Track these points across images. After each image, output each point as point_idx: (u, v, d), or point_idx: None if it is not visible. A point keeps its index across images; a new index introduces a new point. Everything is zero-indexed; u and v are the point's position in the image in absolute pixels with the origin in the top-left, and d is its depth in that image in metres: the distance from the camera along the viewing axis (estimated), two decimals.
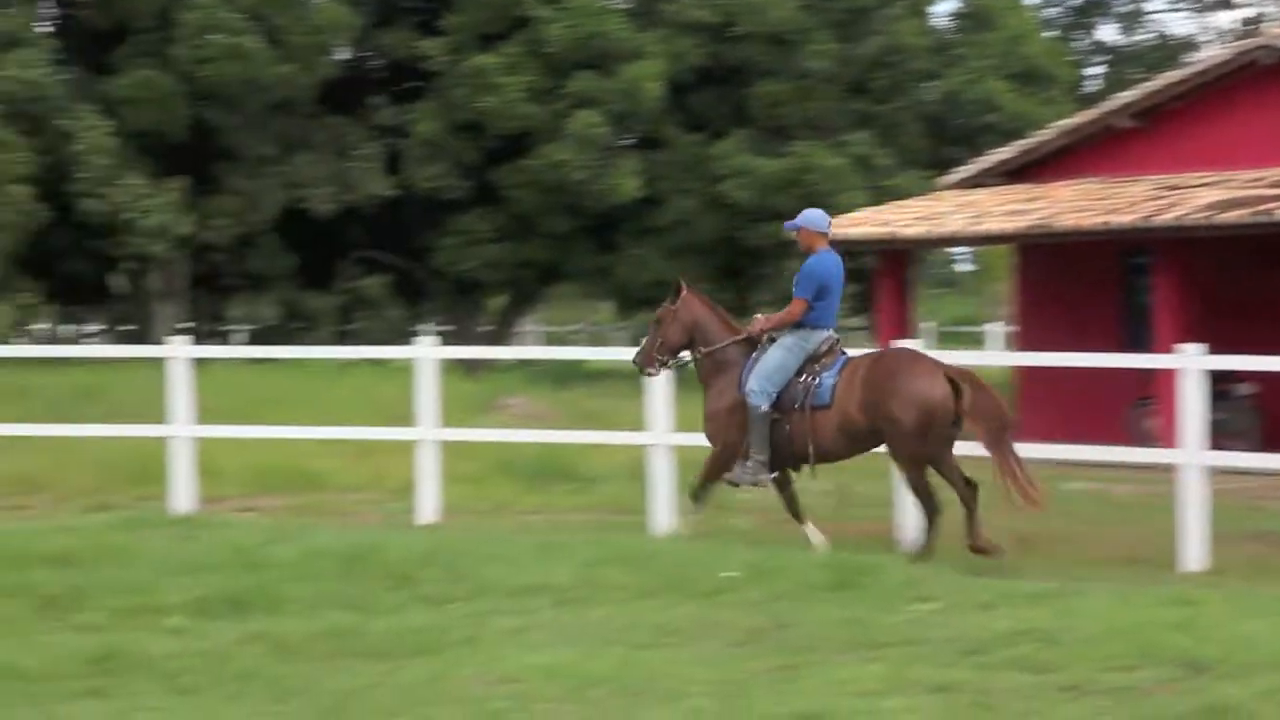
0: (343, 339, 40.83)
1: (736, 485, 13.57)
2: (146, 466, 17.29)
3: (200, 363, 16.78)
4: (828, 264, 13.35)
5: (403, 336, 42.19)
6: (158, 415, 16.78)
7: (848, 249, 29.84)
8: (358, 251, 40.37)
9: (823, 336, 13.30)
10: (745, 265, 39.35)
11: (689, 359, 13.76)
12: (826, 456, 13.26)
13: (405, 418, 16.39)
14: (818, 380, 13.07)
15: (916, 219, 23.29)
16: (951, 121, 39.67)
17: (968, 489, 12.95)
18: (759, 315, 13.95)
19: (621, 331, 55.94)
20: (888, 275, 24.10)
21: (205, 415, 16.64)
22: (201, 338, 31.99)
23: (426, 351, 15.97)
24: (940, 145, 39.10)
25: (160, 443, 16.54)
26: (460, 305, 41.18)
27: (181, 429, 16.22)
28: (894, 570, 11.37)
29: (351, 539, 12.50)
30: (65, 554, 11.63)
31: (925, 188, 29.92)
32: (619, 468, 17.50)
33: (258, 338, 41.38)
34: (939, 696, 7.99)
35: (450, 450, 16.19)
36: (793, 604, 10.31)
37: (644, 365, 13.96)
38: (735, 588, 10.73)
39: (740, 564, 11.27)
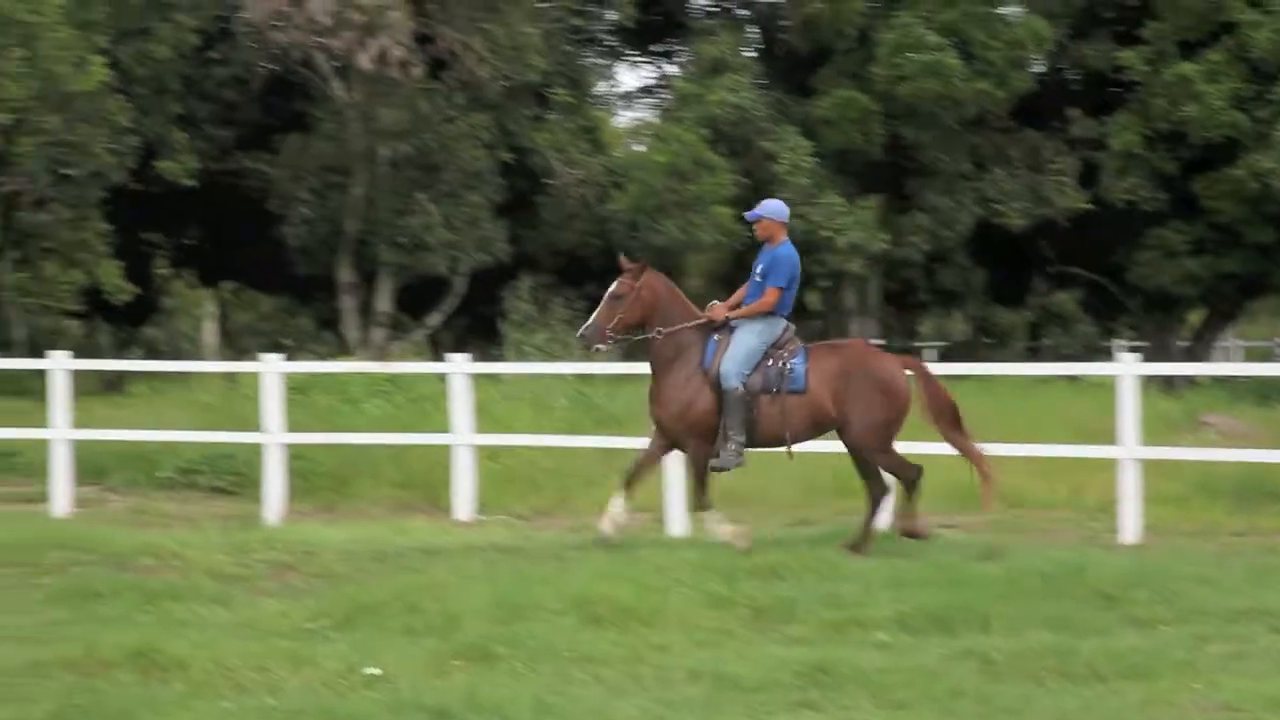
0: (1032, 355, 40.48)
1: (724, 470, 13.48)
2: (846, 481, 17.57)
3: None
4: (794, 255, 13.70)
5: (1094, 353, 41.63)
6: None
7: None
8: (1049, 266, 40.01)
9: (784, 324, 13.61)
10: None
11: (639, 337, 13.66)
12: (796, 439, 13.46)
13: (1099, 435, 16.14)
14: (789, 366, 13.39)
15: None
16: None
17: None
18: (715, 303, 13.82)
19: None
20: None
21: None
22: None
23: (1127, 368, 15.67)
24: None
25: None
26: (1155, 320, 40.16)
27: None
28: None
29: (1054, 557, 12.35)
30: (773, 567, 11.96)
31: None
32: None
33: (948, 354, 41.56)
34: None
35: (1150, 469, 15.82)
36: None
37: (594, 340, 13.65)
38: None
39: None
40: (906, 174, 36.65)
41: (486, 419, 18.64)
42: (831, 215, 34.64)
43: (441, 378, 18.67)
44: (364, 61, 32.57)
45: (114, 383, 34.14)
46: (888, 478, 13.90)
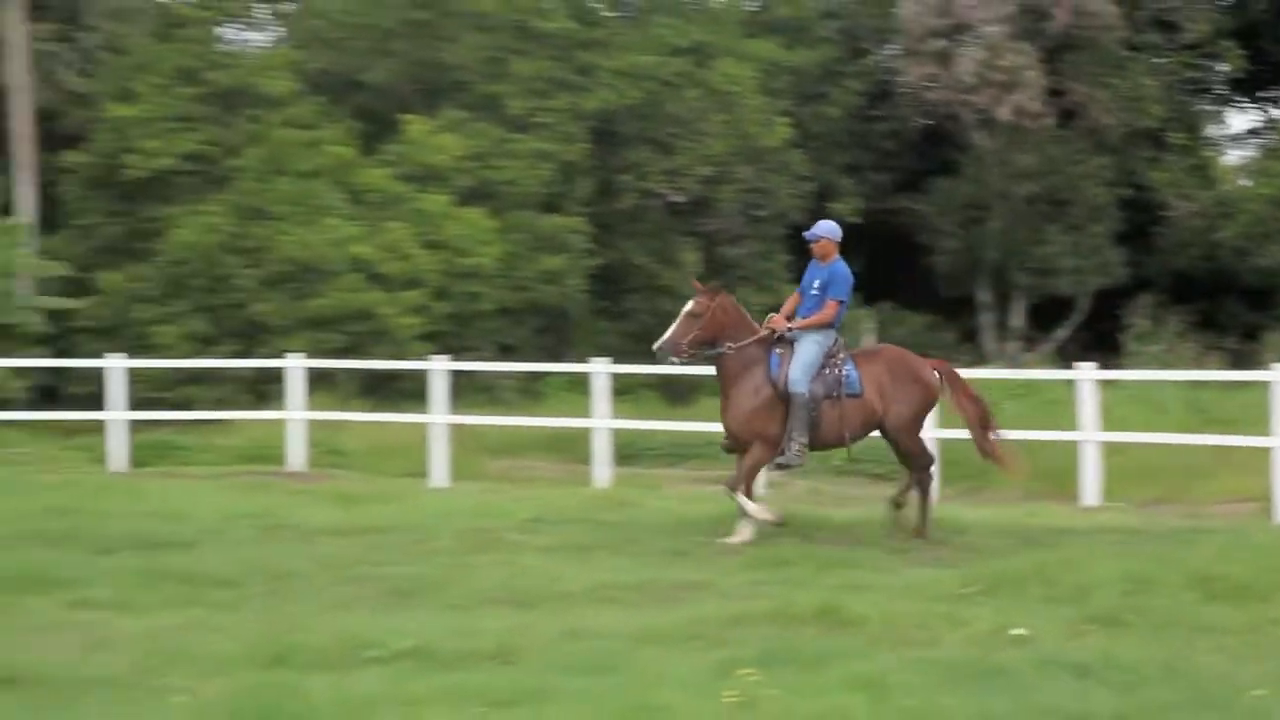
0: None
1: (789, 467, 12.75)
2: None
3: None
4: (849, 271, 13.06)
5: None
6: None
7: None
8: None
9: (836, 335, 13.06)
10: None
11: (712, 353, 12.84)
12: (854, 439, 13.04)
13: None
14: (844, 372, 12.86)
15: None
16: None
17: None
18: (773, 314, 13.16)
19: None
20: None
21: None
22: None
23: None
24: None
25: None
26: None
27: None
28: None
29: None
30: None
31: None
32: None
33: None
34: None
35: None
36: None
37: (672, 352, 12.68)
38: None
39: None
40: None
41: (1108, 419, 18.13)
42: None
43: (1069, 383, 18.31)
44: (1003, 114, 32.35)
45: None
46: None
